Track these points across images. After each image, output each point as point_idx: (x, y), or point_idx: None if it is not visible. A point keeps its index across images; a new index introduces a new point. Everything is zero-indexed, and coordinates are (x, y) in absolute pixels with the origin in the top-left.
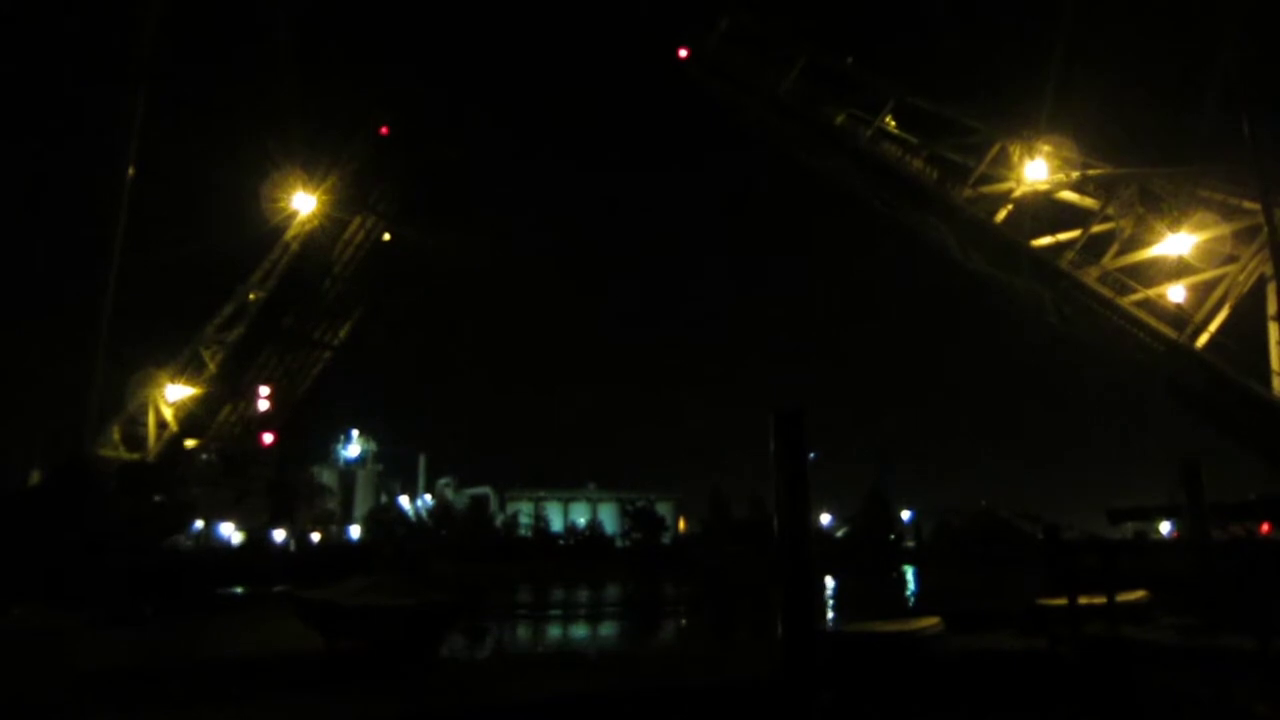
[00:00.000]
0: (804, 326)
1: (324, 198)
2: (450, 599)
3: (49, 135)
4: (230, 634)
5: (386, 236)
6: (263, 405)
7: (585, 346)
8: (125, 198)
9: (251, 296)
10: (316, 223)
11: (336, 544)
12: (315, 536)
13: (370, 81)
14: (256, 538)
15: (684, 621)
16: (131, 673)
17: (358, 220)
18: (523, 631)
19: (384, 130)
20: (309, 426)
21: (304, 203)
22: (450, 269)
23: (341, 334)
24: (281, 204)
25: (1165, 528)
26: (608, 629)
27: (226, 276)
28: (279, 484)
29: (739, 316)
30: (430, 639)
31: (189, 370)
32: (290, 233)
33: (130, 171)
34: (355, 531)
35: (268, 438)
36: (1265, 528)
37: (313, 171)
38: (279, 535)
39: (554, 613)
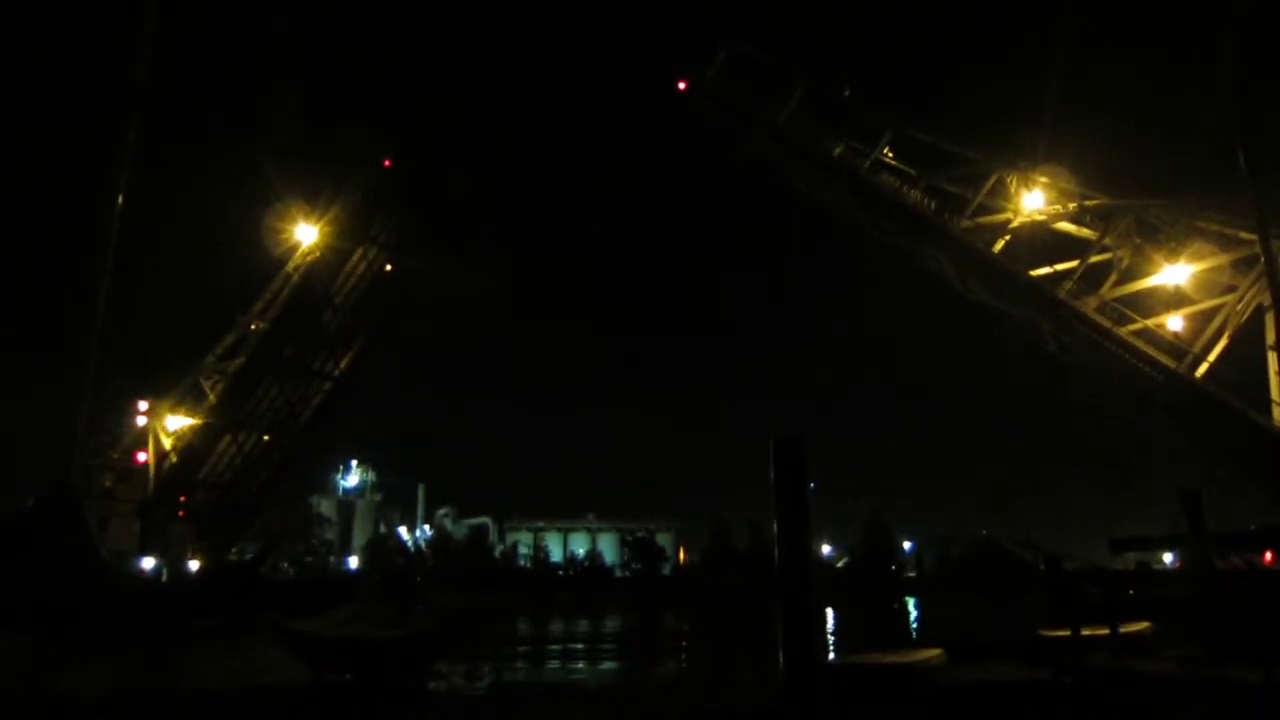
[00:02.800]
0: (805, 355)
1: (326, 229)
2: (438, 629)
3: (44, 159)
4: (215, 665)
5: (388, 267)
6: (140, 421)
7: (585, 375)
8: (115, 226)
9: (253, 327)
10: (318, 253)
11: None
12: (193, 564)
13: (374, 113)
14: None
15: (684, 653)
16: (113, 703)
17: (359, 251)
18: (519, 662)
19: (387, 163)
20: (309, 456)
21: (306, 233)
22: (452, 299)
23: (342, 364)
24: (284, 234)
25: (1168, 558)
26: (607, 660)
27: (228, 306)
28: (153, 506)
29: (740, 343)
30: (417, 670)
31: (189, 400)
32: (292, 263)
33: (120, 200)
34: (354, 561)
35: (142, 456)
36: (1268, 558)
37: (315, 203)
38: (148, 563)
39: (552, 648)
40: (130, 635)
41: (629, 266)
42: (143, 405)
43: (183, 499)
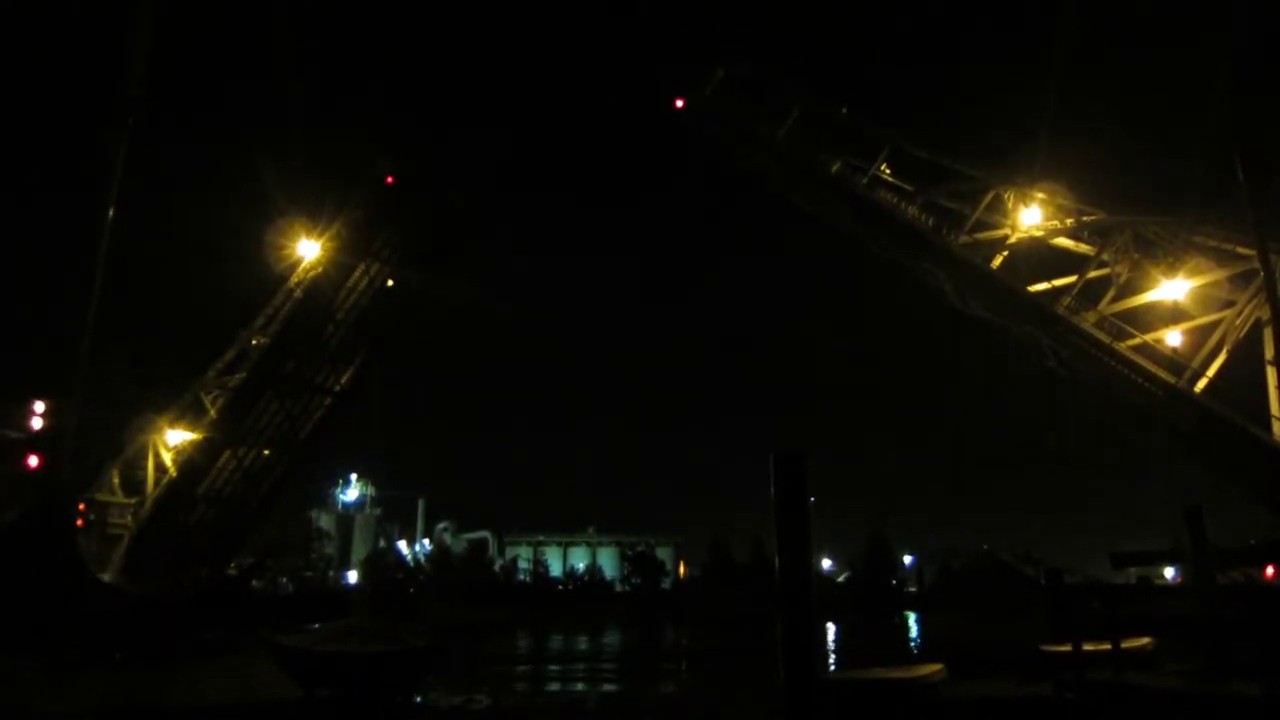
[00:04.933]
0: (805, 369)
1: (328, 244)
2: (430, 644)
3: (40, 170)
4: (204, 680)
5: (390, 283)
6: (36, 424)
7: (585, 389)
8: (105, 240)
9: (254, 341)
10: (320, 269)
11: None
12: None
13: (376, 129)
14: None
15: (684, 670)
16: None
17: (361, 267)
18: (518, 679)
19: (389, 179)
20: (309, 470)
21: (308, 249)
22: (454, 315)
23: (343, 380)
24: (286, 250)
25: (1169, 573)
26: (606, 677)
27: (229, 321)
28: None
29: (740, 358)
30: (409, 685)
31: (189, 415)
32: (294, 278)
33: (110, 213)
34: (353, 576)
35: (33, 460)
36: (1270, 573)
37: (317, 218)
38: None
39: (551, 667)
40: (118, 651)
41: (628, 279)
42: (39, 406)
43: (82, 507)
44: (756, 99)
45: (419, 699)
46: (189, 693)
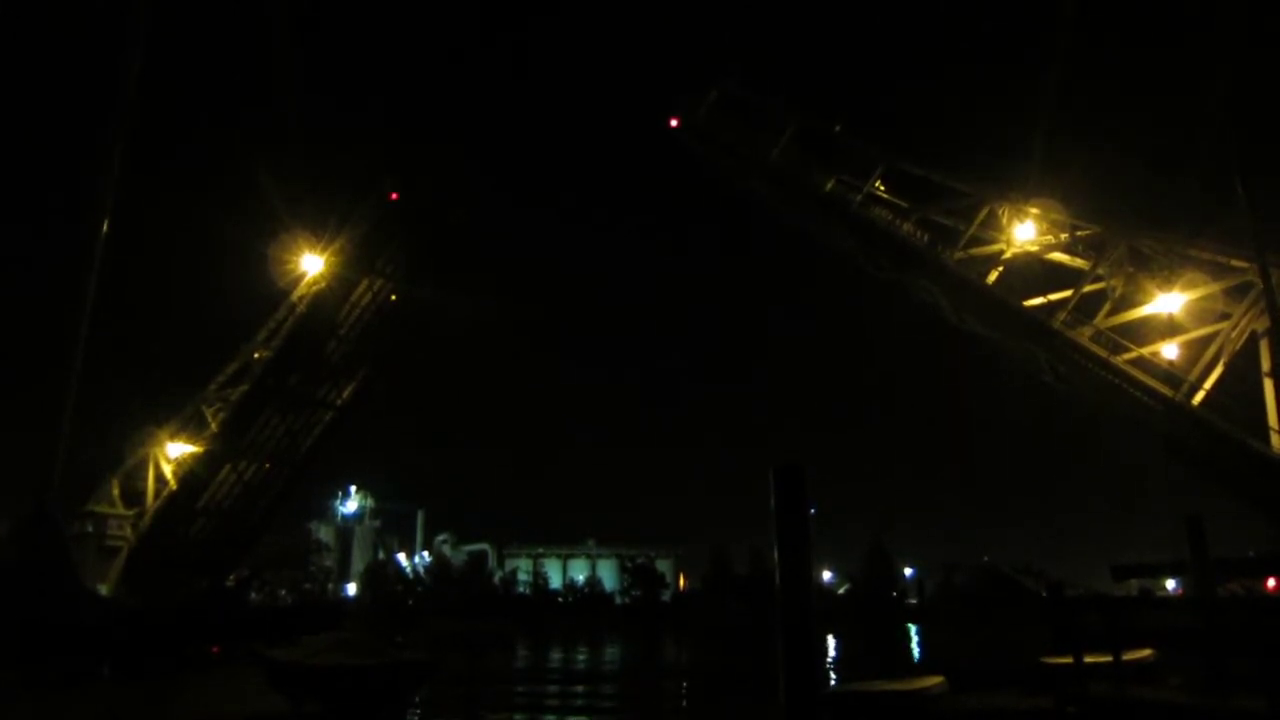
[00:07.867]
0: (806, 382)
1: (332, 260)
2: (420, 657)
3: (39, 181)
4: (192, 695)
5: (393, 298)
6: None
7: (585, 401)
8: (99, 250)
9: (256, 355)
10: (324, 284)
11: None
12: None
13: (380, 145)
14: None
15: (684, 685)
16: None
17: (365, 283)
18: (516, 696)
19: (393, 195)
20: (310, 483)
21: (312, 264)
22: (456, 330)
23: (345, 394)
24: (289, 264)
25: (1170, 584)
26: (605, 688)
27: (232, 335)
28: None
29: (741, 369)
30: (398, 699)
31: (190, 427)
32: (297, 293)
33: (105, 225)
34: (352, 588)
35: None
36: (1271, 585)
37: (321, 233)
38: None
39: (551, 687)
40: (106, 664)
41: (627, 293)
42: None
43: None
44: (750, 118)
45: (410, 714)
46: (179, 706)
